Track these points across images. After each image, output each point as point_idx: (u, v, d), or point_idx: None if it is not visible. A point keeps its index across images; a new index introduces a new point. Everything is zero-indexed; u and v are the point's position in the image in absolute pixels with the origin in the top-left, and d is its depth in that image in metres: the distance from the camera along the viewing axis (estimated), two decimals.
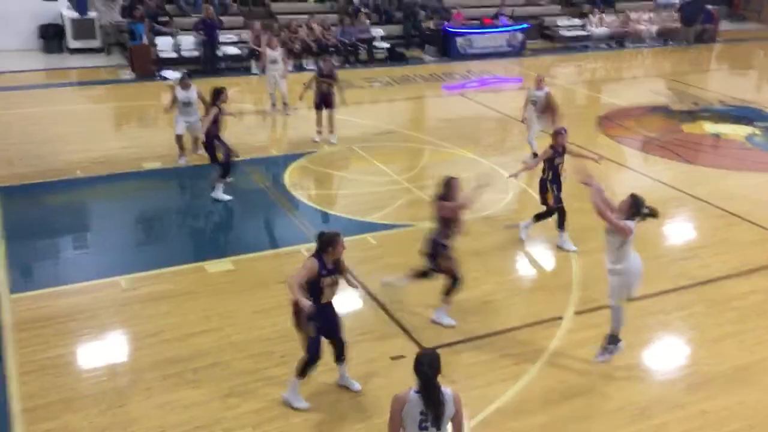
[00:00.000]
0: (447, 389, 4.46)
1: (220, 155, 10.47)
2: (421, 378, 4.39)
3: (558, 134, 9.11)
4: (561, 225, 9.34)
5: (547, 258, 9.43)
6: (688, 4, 24.64)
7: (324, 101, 12.82)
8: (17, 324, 7.43)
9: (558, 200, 9.20)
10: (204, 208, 10.79)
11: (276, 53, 14.40)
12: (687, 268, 9.08)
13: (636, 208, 6.53)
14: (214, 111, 10.26)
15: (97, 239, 9.65)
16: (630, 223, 6.50)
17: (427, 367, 4.39)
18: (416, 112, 16.55)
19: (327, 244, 6.06)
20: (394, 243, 9.49)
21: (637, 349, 7.32)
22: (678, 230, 10.52)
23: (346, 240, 8.60)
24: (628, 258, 6.63)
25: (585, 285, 8.51)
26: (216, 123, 10.36)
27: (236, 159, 10.85)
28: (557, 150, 9.09)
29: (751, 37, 26.21)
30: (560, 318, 7.82)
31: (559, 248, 9.38)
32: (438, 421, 4.40)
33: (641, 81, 20.03)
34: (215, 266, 8.72)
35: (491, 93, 17.65)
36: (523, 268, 9.27)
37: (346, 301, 8.12)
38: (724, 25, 26.55)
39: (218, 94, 10.33)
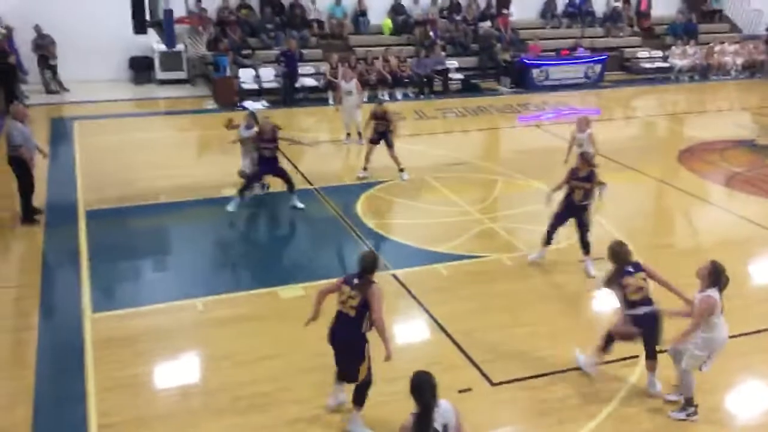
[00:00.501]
0: (444, 402, 4.54)
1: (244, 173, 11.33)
2: (422, 405, 4.46)
3: (579, 156, 9.47)
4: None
5: None
6: None
7: (382, 138, 12.81)
8: (97, 342, 7.70)
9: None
10: (278, 233, 11.00)
11: (351, 85, 14.67)
12: None
13: (716, 276, 6.15)
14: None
15: (177, 262, 9.96)
16: (708, 298, 6.12)
17: (430, 395, 4.45)
18: (490, 143, 16.48)
19: (375, 263, 6.04)
20: (465, 274, 9.41)
21: (719, 393, 6.98)
22: (763, 269, 10.04)
23: (417, 270, 8.56)
24: (715, 328, 6.23)
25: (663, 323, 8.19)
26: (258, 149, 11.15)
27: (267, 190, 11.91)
28: (575, 172, 9.26)
29: None
30: (637, 356, 7.55)
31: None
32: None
33: (726, 114, 19.38)
34: (287, 292, 8.85)
35: (567, 125, 17.40)
36: (600, 304, 9.01)
37: (415, 330, 8.12)
38: None
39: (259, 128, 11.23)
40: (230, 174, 12.91)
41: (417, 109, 18.31)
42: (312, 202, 11.84)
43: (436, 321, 8.17)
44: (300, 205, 11.39)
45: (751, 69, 23.75)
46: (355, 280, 6.01)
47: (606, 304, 9.00)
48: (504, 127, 17.55)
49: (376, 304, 5.85)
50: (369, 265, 6.00)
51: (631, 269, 6.72)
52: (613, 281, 6.74)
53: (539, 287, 9.15)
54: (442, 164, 13.77)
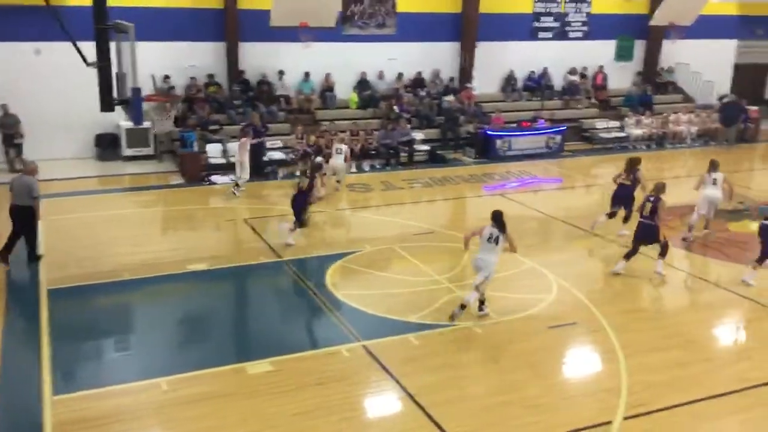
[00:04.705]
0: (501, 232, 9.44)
1: None
2: (496, 217, 9.61)
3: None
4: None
5: (594, 360, 9.17)
6: (727, 105, 24.78)
7: None
8: (57, 426, 7.42)
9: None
10: (245, 308, 10.87)
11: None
12: (741, 371, 8.72)
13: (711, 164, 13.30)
14: None
15: (140, 340, 9.74)
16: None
17: (499, 214, 9.63)
18: (456, 212, 16.68)
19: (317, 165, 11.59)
20: (436, 344, 9.36)
21: None
22: (729, 332, 10.19)
23: (388, 340, 8.47)
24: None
25: (633, 389, 8.21)
26: None
27: None
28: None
29: None
30: (609, 422, 7.52)
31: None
32: (497, 239, 9.51)
33: (683, 180, 19.88)
34: (255, 367, 8.68)
35: (531, 193, 17.75)
36: (570, 370, 9.01)
37: (386, 404, 8.00)
38: (766, 125, 26.47)
39: None
40: (196, 249, 12.85)
41: (384, 180, 18.55)
42: (280, 274, 11.78)
43: (408, 393, 8.06)
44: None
45: (705, 137, 24.62)
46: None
47: (575, 369, 9.03)
48: (469, 196, 17.81)
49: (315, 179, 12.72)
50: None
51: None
52: None
53: (509, 355, 9.14)
54: (409, 234, 13.86)
